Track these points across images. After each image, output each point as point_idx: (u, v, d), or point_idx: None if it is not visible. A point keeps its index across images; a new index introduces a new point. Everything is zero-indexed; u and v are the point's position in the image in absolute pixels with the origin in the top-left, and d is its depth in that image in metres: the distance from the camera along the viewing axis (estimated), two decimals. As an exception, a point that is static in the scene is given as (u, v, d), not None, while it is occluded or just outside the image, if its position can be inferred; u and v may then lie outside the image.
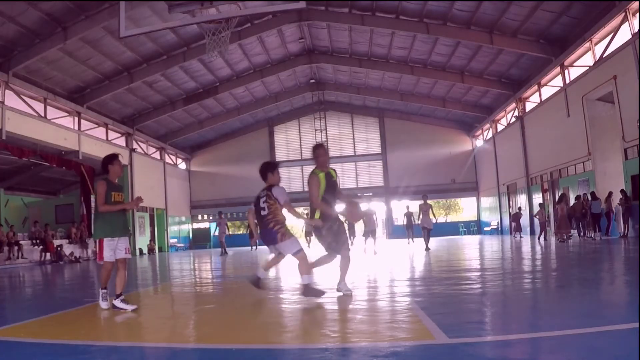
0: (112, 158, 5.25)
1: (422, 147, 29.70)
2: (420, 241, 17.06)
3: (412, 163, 29.60)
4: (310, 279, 5.05)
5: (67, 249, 19.89)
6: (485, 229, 29.00)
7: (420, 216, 14.73)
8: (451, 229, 29.87)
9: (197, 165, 32.13)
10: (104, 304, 5.00)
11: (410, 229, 20.47)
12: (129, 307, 4.89)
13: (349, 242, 22.08)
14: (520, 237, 20.10)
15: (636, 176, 13.85)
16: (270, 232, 5.07)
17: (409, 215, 20.65)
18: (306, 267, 5.07)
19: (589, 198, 15.68)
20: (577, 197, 16.28)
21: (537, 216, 17.29)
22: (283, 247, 5.11)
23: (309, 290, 5.01)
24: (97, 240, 5.02)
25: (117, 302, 4.90)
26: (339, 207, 5.57)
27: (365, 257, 12.22)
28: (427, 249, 13.89)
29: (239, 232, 37.61)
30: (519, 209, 21.98)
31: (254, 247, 22.81)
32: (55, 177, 23.80)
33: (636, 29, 13.61)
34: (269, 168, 5.29)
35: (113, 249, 4.98)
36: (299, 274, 5.11)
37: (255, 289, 5.56)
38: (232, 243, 30.46)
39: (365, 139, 31.41)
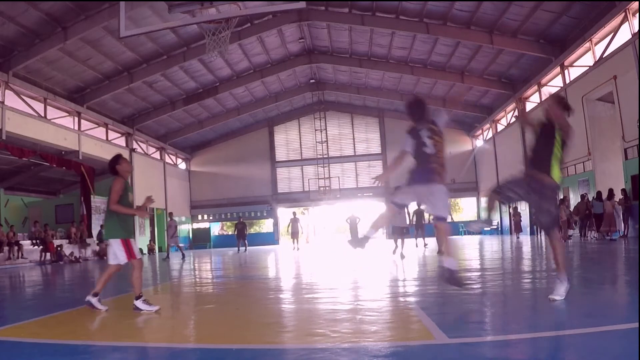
0: (117, 158, 5.11)
1: (422, 147, 29.64)
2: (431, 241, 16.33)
3: (412, 163, 29.57)
4: (455, 264, 4.50)
5: (67, 249, 19.89)
6: (485, 229, 28.97)
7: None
8: (451, 228, 29.81)
9: (197, 165, 32.13)
10: (153, 308, 4.78)
11: (421, 229, 17.43)
12: (153, 308, 4.80)
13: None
14: (517, 237, 19.88)
15: (636, 176, 13.85)
16: (429, 171, 4.57)
17: (419, 213, 17.76)
18: (449, 245, 4.58)
19: (589, 198, 15.66)
20: (582, 197, 16.23)
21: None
22: (436, 192, 4.54)
23: (452, 278, 4.49)
24: (123, 240, 4.85)
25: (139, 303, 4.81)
26: None
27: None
28: (440, 252, 11.25)
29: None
30: (514, 209, 21.57)
31: (242, 249, 21.76)
32: (55, 177, 23.79)
33: (636, 29, 13.60)
34: (422, 105, 4.85)
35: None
36: (441, 251, 4.60)
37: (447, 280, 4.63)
38: (233, 243, 30.49)
39: (365, 139, 31.41)
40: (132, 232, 5.05)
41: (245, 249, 21.79)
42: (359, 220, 21.16)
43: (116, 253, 4.86)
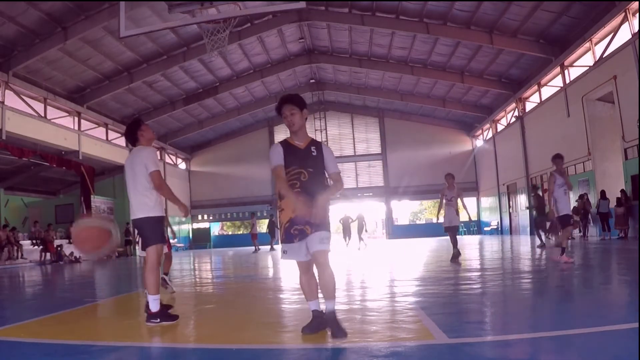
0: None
1: (422, 147, 29.70)
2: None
3: (412, 163, 29.59)
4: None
5: (67, 249, 19.87)
6: (485, 229, 28.98)
7: (443, 208, 9.60)
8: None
9: (197, 165, 32.14)
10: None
11: (348, 236, 20.90)
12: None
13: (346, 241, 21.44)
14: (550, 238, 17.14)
15: (636, 176, 13.85)
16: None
17: (346, 220, 20.90)
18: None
19: (588, 198, 15.62)
20: (580, 197, 16.22)
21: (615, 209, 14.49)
22: None
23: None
24: None
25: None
26: None
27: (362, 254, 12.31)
28: (456, 257, 9.14)
29: (239, 232, 37.69)
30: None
31: (258, 249, 21.28)
32: (55, 177, 23.79)
33: (636, 29, 13.61)
34: None
35: None
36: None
37: None
38: (233, 243, 30.55)
39: (365, 139, 31.41)
40: None
41: (260, 249, 21.32)
42: (351, 220, 21.27)
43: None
